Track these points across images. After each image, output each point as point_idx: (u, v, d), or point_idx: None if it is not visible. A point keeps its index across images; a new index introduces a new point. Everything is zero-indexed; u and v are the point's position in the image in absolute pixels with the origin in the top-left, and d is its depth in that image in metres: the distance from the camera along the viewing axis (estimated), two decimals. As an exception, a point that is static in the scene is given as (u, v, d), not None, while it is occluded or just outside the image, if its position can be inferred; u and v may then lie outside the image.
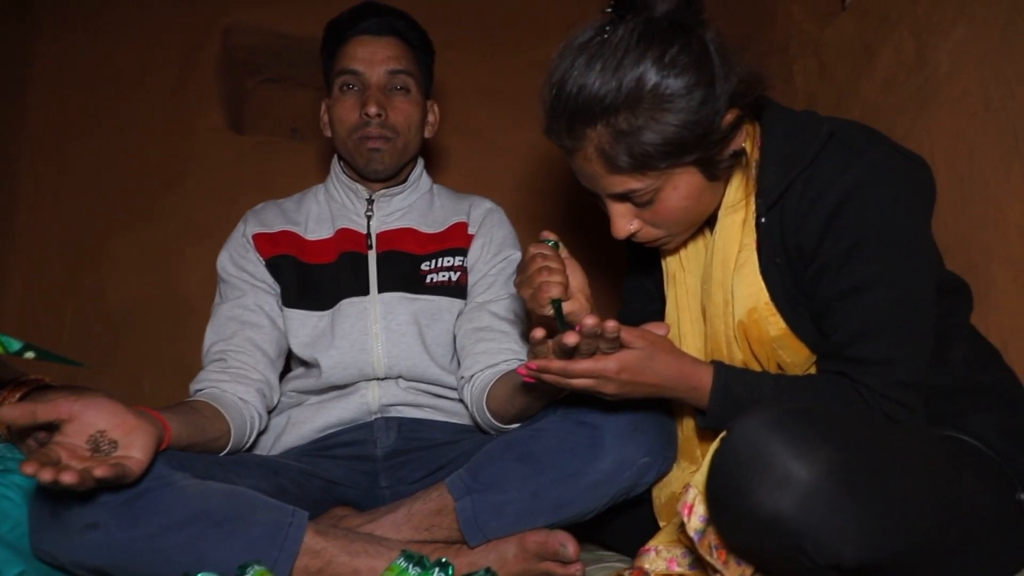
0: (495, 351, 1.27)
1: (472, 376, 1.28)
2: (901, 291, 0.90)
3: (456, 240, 1.39)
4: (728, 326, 1.00)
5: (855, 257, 0.90)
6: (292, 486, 1.15)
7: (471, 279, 1.37)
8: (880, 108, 1.50)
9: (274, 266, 1.34)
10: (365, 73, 1.33)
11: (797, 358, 0.98)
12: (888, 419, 0.90)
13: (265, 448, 1.33)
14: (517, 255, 1.41)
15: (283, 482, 1.14)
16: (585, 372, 0.88)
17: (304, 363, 1.34)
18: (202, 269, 1.94)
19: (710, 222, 1.06)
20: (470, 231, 1.40)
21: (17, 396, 1.03)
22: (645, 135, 0.90)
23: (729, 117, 0.94)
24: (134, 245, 1.99)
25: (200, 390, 1.22)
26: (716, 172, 0.96)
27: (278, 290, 1.34)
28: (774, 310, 0.97)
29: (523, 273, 1.02)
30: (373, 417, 1.31)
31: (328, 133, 1.39)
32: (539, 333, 0.88)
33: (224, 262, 1.35)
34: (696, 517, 0.84)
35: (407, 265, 1.35)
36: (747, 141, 1.00)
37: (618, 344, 0.88)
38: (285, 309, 1.32)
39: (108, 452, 0.89)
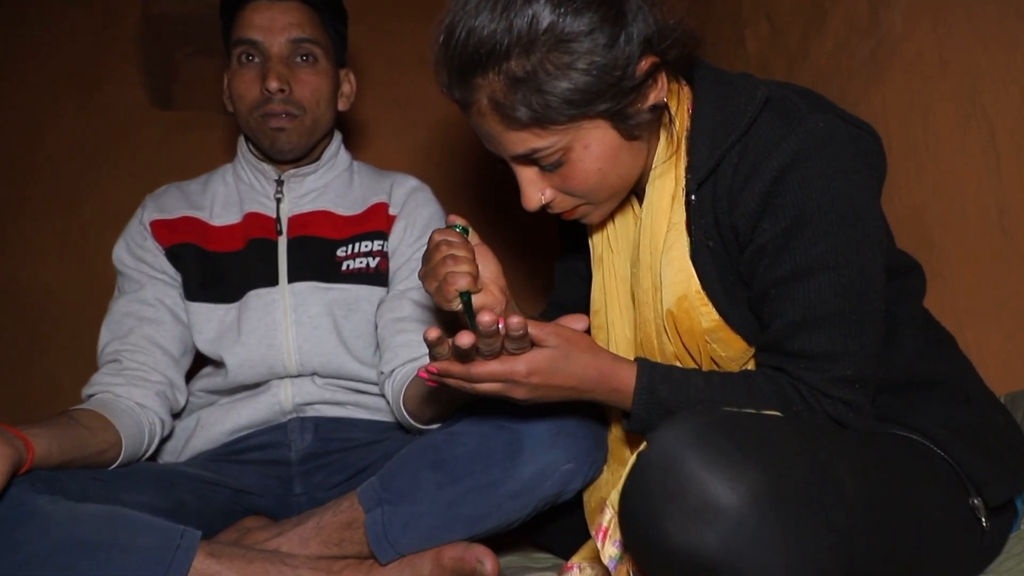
0: (417, 343, 1.17)
1: (392, 371, 1.18)
2: (846, 276, 0.79)
3: (376, 222, 1.27)
4: (657, 314, 0.90)
5: (795, 238, 0.80)
6: (192, 499, 1.05)
7: (392, 264, 1.26)
8: (832, 74, 1.41)
9: (174, 255, 1.23)
10: (264, 43, 1.20)
11: (732, 351, 0.89)
12: (831, 421, 0.81)
13: (175, 454, 1.23)
14: None
15: (181, 496, 1.04)
16: (490, 375, 0.78)
17: (212, 361, 1.23)
18: (123, 257, 1.82)
19: (640, 195, 0.95)
20: (391, 211, 1.29)
21: None
22: (543, 81, 0.79)
23: (644, 64, 0.82)
24: (49, 232, 1.86)
25: (91, 395, 1.11)
26: (632, 129, 0.84)
27: (180, 281, 1.22)
28: (705, 299, 0.87)
29: (427, 264, 0.92)
30: (287, 418, 1.21)
31: (231, 108, 1.26)
32: (433, 333, 0.77)
33: (120, 252, 1.24)
34: (611, 543, 0.75)
35: (321, 251, 1.24)
36: (673, 101, 0.89)
37: (527, 343, 0.78)
38: (187, 303, 1.21)
39: (-50, 480, 0.78)
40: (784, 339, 0.82)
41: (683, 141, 0.88)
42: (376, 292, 1.24)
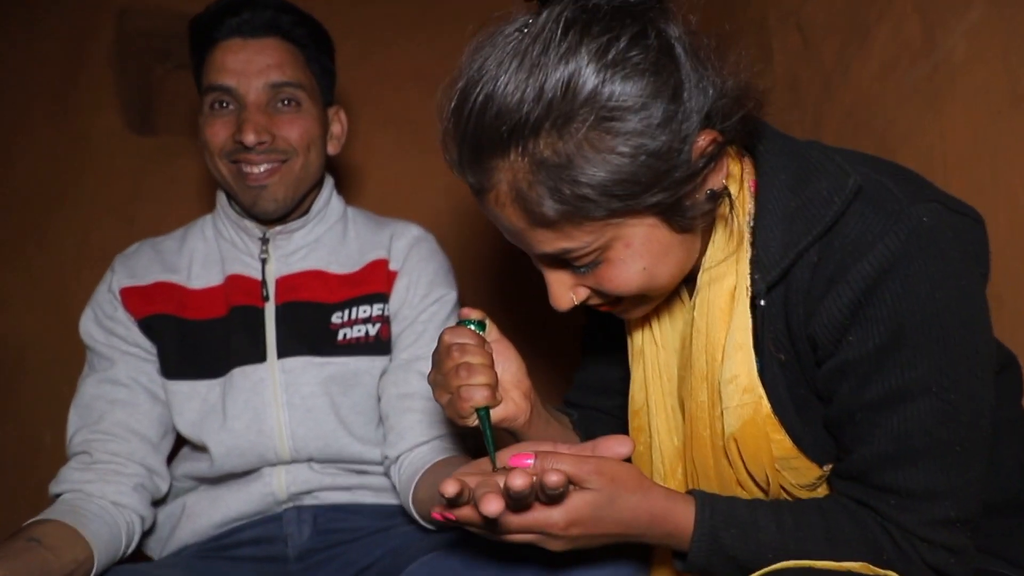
0: (427, 424, 1.04)
1: (399, 457, 1.06)
2: (952, 402, 0.65)
3: (375, 283, 1.14)
4: (716, 435, 0.76)
5: (891, 357, 0.66)
6: (175, 619, 0.93)
7: (395, 328, 1.13)
8: (877, 98, 1.27)
9: (148, 327, 1.10)
10: (238, 89, 1.06)
11: (805, 479, 0.75)
12: (930, 570, 0.68)
13: (159, 545, 1.11)
14: (451, 296, 1.17)
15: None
16: (522, 527, 0.66)
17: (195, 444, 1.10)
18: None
19: (689, 280, 0.81)
20: (392, 267, 1.15)
21: None
22: (579, 168, 0.64)
23: (702, 142, 0.68)
24: (23, 273, 1.72)
25: (59, 495, 0.99)
26: (686, 222, 0.71)
27: (156, 353, 1.09)
28: (778, 426, 0.73)
29: (437, 370, 0.78)
30: (282, 508, 1.09)
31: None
32: (451, 488, 0.63)
33: (88, 325, 1.10)
34: None
35: (313, 319, 1.11)
36: (732, 182, 0.75)
37: (565, 488, 0.65)
38: (165, 381, 1.08)
39: None
40: (872, 471, 0.69)
41: (746, 227, 0.74)
42: (377, 362, 1.11)
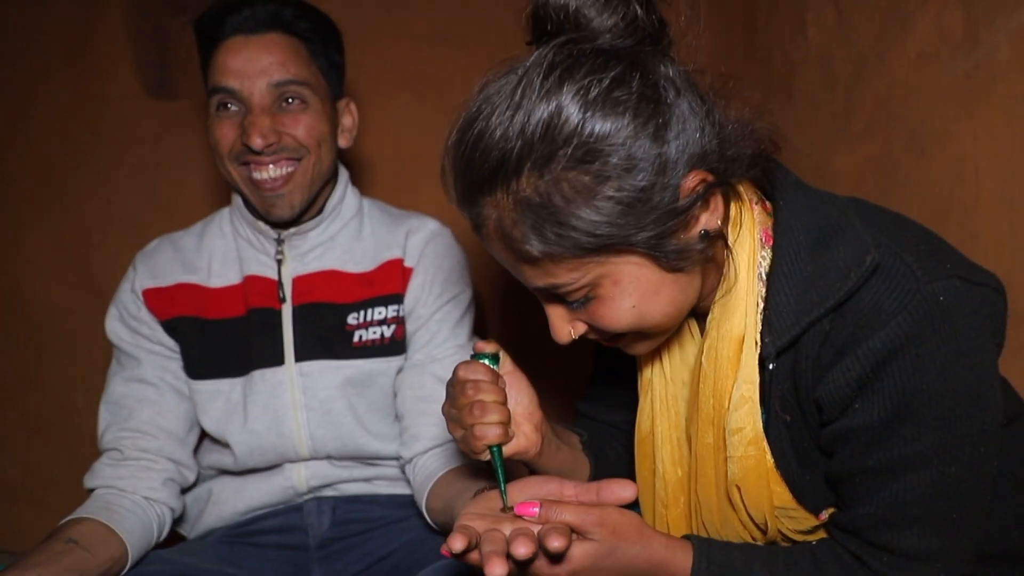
0: (440, 428, 1.06)
1: (413, 459, 1.09)
2: (951, 475, 0.67)
3: (390, 284, 1.14)
4: (720, 476, 0.78)
5: (895, 431, 0.67)
6: (205, 607, 1.00)
7: (410, 327, 1.14)
8: (913, 90, 1.21)
9: (172, 329, 1.12)
10: (242, 90, 1.04)
11: (803, 526, 0.77)
12: None
13: (187, 527, 1.18)
14: (466, 295, 1.17)
15: (193, 606, 0.99)
16: (529, 571, 0.69)
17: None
18: (127, 266, 1.71)
19: (700, 314, 0.81)
20: (407, 263, 1.15)
21: None
22: (559, 209, 0.65)
23: (690, 182, 0.68)
24: (50, 241, 1.75)
25: (95, 490, 1.04)
26: (675, 262, 0.70)
27: (179, 351, 1.13)
28: (780, 479, 0.75)
29: (451, 404, 0.80)
30: (302, 499, 1.14)
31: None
32: (457, 545, 0.65)
33: (113, 325, 1.13)
34: None
35: (330, 321, 1.12)
36: (734, 225, 0.74)
37: (569, 536, 0.67)
38: (190, 381, 1.12)
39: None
40: (868, 529, 0.71)
41: (755, 278, 0.73)
42: (393, 363, 1.14)
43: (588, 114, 0.64)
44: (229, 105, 1.05)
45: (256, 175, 1.05)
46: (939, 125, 1.15)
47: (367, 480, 1.15)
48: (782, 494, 0.75)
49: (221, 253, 1.15)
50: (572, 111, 0.64)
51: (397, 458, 1.14)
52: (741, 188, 0.76)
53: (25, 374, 1.73)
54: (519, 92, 0.66)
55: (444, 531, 1.03)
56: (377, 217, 1.20)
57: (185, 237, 1.18)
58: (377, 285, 1.14)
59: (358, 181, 1.63)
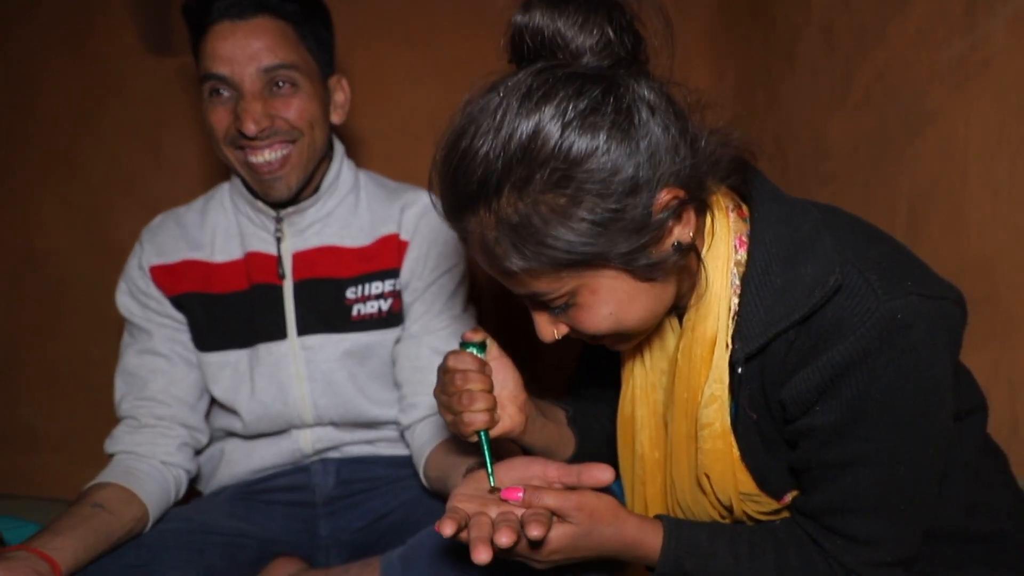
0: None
1: (411, 425, 1.16)
2: (899, 474, 0.72)
3: (386, 259, 1.18)
4: (691, 464, 0.84)
5: (849, 432, 0.72)
6: (221, 562, 1.08)
7: (406, 298, 1.19)
8: (911, 66, 1.22)
9: (179, 304, 1.17)
10: (232, 77, 1.05)
11: (766, 509, 0.84)
12: None
13: (201, 483, 1.26)
14: (460, 267, 1.21)
15: (210, 561, 1.07)
16: (510, 556, 0.75)
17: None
18: (135, 223, 1.72)
19: (678, 308, 0.85)
20: (403, 237, 1.19)
21: None
22: (537, 229, 0.69)
23: (664, 198, 0.70)
24: (58, 199, 1.79)
25: (114, 455, 1.11)
26: (650, 273, 0.74)
27: (187, 324, 1.18)
28: (744, 469, 0.81)
29: (442, 391, 0.85)
30: (308, 461, 1.21)
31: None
32: (448, 531, 0.71)
33: (124, 300, 1.18)
34: None
35: (329, 295, 1.17)
36: (709, 237, 0.78)
37: (548, 523, 0.74)
38: (199, 353, 1.17)
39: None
40: (824, 515, 0.77)
41: (728, 284, 0.77)
42: (391, 334, 1.19)
43: (564, 138, 0.67)
44: (221, 91, 1.07)
45: (252, 159, 1.08)
46: (933, 104, 1.16)
47: (369, 442, 1.22)
48: (746, 482, 0.81)
49: (223, 229, 1.19)
50: (549, 135, 0.67)
51: (396, 423, 1.21)
52: (717, 196, 0.79)
53: (42, 329, 1.79)
54: (499, 115, 0.68)
55: (440, 495, 1.10)
56: (373, 191, 1.23)
57: (188, 213, 1.22)
58: (374, 260, 1.18)
59: (354, 145, 1.65)
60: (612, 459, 1.01)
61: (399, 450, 1.24)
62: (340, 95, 1.18)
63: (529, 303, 0.79)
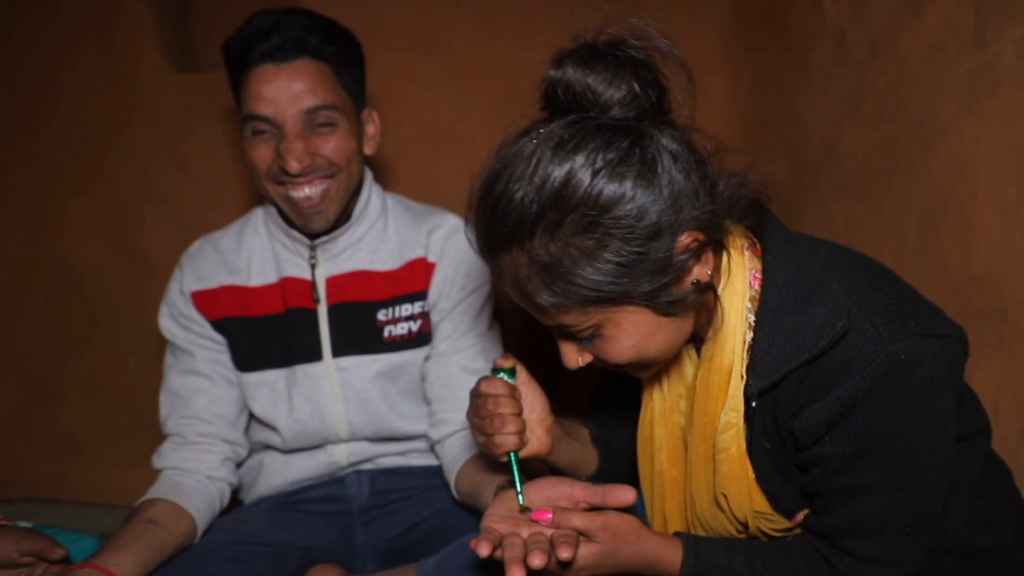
0: (464, 413, 1.18)
1: (441, 440, 1.22)
2: (904, 500, 0.78)
3: (415, 282, 1.24)
4: (709, 483, 0.89)
5: (856, 463, 0.78)
6: (266, 569, 1.15)
7: (434, 318, 1.25)
8: (923, 81, 1.24)
9: (220, 328, 1.23)
10: (275, 117, 1.11)
11: (781, 527, 0.89)
12: None
13: (242, 493, 1.32)
14: (486, 287, 1.26)
15: (255, 569, 1.13)
16: (544, 572, 0.81)
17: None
18: (166, 237, 1.82)
19: (696, 343, 0.90)
20: (430, 259, 1.25)
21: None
22: (567, 269, 0.74)
23: (684, 241, 0.76)
24: (92, 213, 1.85)
25: (162, 470, 1.18)
26: (671, 309, 0.79)
27: (227, 346, 1.24)
28: (759, 491, 0.86)
29: (475, 414, 0.92)
30: (344, 473, 1.28)
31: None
32: (484, 552, 0.78)
33: (167, 323, 1.24)
34: None
35: (362, 319, 1.23)
36: (726, 275, 0.83)
37: (576, 543, 0.79)
38: (239, 373, 1.24)
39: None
40: (833, 535, 0.82)
41: (743, 320, 0.82)
42: (421, 353, 1.25)
43: (594, 185, 0.72)
44: (264, 130, 1.12)
45: (293, 194, 1.13)
46: (944, 122, 1.19)
47: (401, 454, 1.29)
48: (761, 502, 0.86)
49: (259, 254, 1.25)
50: (580, 183, 0.73)
51: (427, 437, 1.27)
52: (733, 235, 0.84)
53: (79, 339, 1.86)
54: (533, 162, 0.74)
55: (469, 508, 1.16)
56: (400, 216, 1.28)
57: (224, 238, 1.28)
58: (403, 283, 1.24)
59: (380, 157, 1.69)
60: (632, 474, 1.07)
61: (429, 460, 1.30)
62: (371, 127, 1.23)
63: (556, 333, 0.85)
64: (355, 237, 1.24)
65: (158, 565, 1.05)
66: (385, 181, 1.45)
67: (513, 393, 0.91)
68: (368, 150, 1.23)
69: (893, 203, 1.33)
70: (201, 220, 1.77)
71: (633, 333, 0.79)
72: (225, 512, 1.24)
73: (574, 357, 0.85)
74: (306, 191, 1.13)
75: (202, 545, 1.14)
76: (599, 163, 0.72)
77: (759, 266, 0.84)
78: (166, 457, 1.19)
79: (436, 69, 1.88)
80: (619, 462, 1.06)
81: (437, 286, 1.24)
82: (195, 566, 1.09)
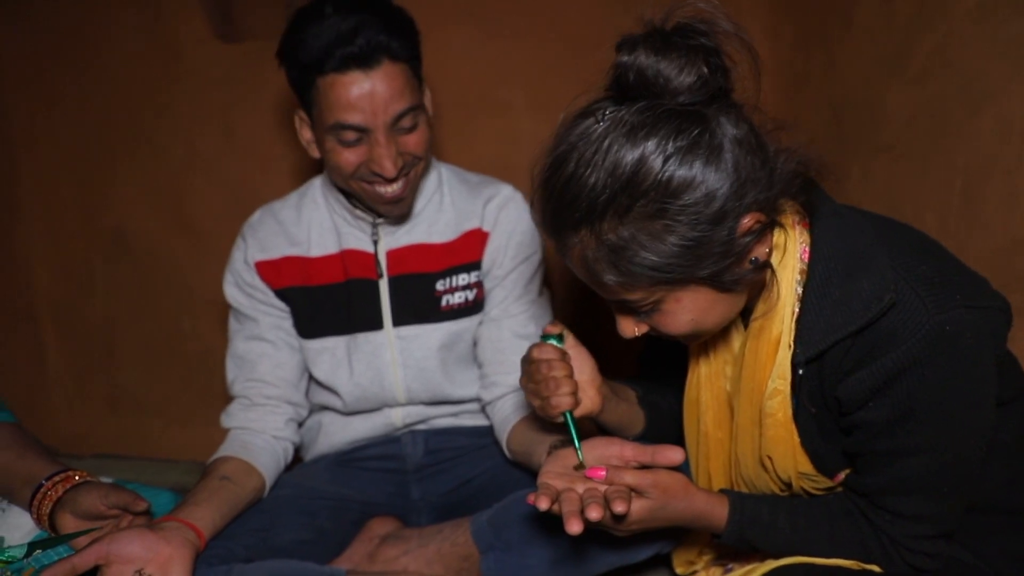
0: (515, 376, 1.23)
1: (492, 401, 1.27)
2: (944, 461, 0.82)
3: (471, 253, 1.29)
4: (755, 447, 0.94)
5: (899, 427, 0.81)
6: (329, 523, 1.23)
7: (487, 285, 1.30)
8: (970, 42, 1.22)
9: (283, 296, 1.29)
10: (368, 125, 1.11)
11: (822, 486, 0.93)
12: (910, 568, 0.87)
13: (303, 452, 1.40)
14: (538, 255, 1.30)
15: (320, 523, 1.21)
16: (597, 526, 0.87)
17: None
18: (215, 203, 1.87)
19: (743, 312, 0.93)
20: (484, 228, 1.29)
21: (59, 493, 1.08)
22: (635, 251, 0.77)
23: (747, 223, 0.79)
24: (143, 182, 1.90)
25: (230, 429, 1.26)
26: (730, 286, 0.83)
27: (290, 313, 1.30)
28: (804, 453, 0.90)
29: (528, 380, 0.97)
30: (399, 433, 1.34)
31: (314, 154, 1.21)
32: (544, 506, 0.83)
33: (231, 291, 1.30)
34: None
35: (421, 289, 1.28)
36: (777, 251, 0.86)
37: (629, 498, 0.84)
38: (301, 340, 1.30)
39: (151, 589, 0.95)
40: (874, 494, 0.87)
41: (793, 292, 0.85)
42: (475, 320, 1.30)
43: (664, 171, 0.75)
44: (353, 138, 1.13)
45: (381, 190, 1.17)
46: (991, 84, 1.18)
47: (454, 415, 1.35)
48: (805, 464, 0.91)
49: (318, 224, 1.30)
50: (651, 168, 0.75)
51: (478, 399, 1.33)
52: (787, 211, 0.86)
53: (135, 305, 1.94)
54: (605, 146, 0.76)
55: (519, 465, 1.22)
56: (456, 188, 1.32)
57: (284, 209, 1.32)
58: (460, 254, 1.28)
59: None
60: (677, 434, 1.12)
61: (480, 421, 1.37)
62: (427, 97, 1.24)
63: (615, 306, 0.89)
64: (415, 212, 1.28)
65: (233, 518, 1.13)
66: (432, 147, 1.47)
67: (563, 357, 0.96)
68: None
69: (937, 165, 1.33)
70: (248, 187, 1.83)
71: (692, 308, 0.83)
72: (288, 469, 1.32)
73: (631, 328, 0.89)
74: (394, 187, 1.16)
75: (270, 500, 1.21)
76: (670, 149, 0.75)
77: (808, 239, 0.86)
78: (235, 417, 1.26)
79: (474, 31, 1.88)
80: (665, 422, 1.11)
81: (491, 254, 1.28)
82: (266, 519, 1.17)
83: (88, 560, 0.94)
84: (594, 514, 0.80)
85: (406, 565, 1.18)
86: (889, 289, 0.79)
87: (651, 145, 0.75)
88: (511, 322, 1.27)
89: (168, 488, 1.62)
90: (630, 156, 0.75)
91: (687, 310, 0.83)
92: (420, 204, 1.29)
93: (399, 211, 1.22)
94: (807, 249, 0.86)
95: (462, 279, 1.28)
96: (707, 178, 0.75)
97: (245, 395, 1.27)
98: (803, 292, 0.85)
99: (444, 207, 1.30)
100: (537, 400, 0.96)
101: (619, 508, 0.81)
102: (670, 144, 0.75)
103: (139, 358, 1.95)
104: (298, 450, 1.39)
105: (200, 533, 1.03)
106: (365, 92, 1.09)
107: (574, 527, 0.81)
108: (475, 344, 1.31)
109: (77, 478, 1.09)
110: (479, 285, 1.29)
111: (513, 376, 1.25)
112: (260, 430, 1.25)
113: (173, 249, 1.92)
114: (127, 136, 1.89)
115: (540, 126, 1.87)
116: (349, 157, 1.14)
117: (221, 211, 1.87)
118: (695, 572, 1.09)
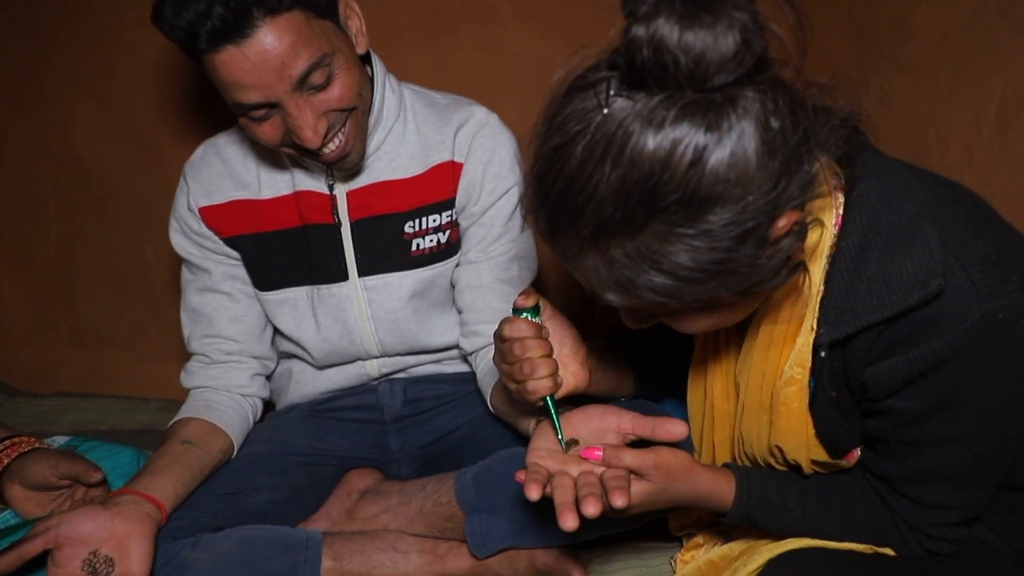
0: (497, 315, 1.13)
1: (474, 351, 1.18)
2: (977, 452, 0.73)
3: (442, 189, 1.13)
4: (763, 432, 0.84)
5: (933, 418, 0.72)
6: (305, 480, 1.16)
7: (463, 223, 1.16)
8: (1004, 10, 1.07)
9: (233, 244, 1.16)
10: (267, 100, 0.94)
11: (834, 469, 0.85)
12: (927, 553, 0.80)
13: (274, 399, 1.31)
14: (518, 187, 1.16)
15: (295, 481, 1.14)
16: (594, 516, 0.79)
17: None
18: (171, 121, 1.71)
19: None
20: (457, 159, 1.14)
21: (4, 462, 0.99)
22: (646, 275, 0.64)
23: (782, 224, 0.64)
24: (91, 99, 1.73)
25: (192, 390, 1.17)
26: (756, 293, 0.70)
27: (242, 262, 1.18)
28: (819, 445, 0.81)
29: (503, 360, 0.85)
30: (376, 383, 1.25)
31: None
32: (534, 495, 0.73)
33: (178, 239, 1.17)
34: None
35: (388, 233, 1.14)
36: (815, 231, 0.72)
37: (629, 485, 0.76)
38: (258, 292, 1.18)
39: (108, 573, 0.88)
40: (896, 481, 0.79)
41: (823, 262, 0.73)
42: (450, 264, 1.18)
43: (686, 180, 0.59)
44: (261, 114, 0.97)
45: (318, 153, 1.02)
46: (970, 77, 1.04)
47: (436, 362, 1.26)
48: (819, 453, 0.82)
49: (268, 162, 1.14)
50: (671, 177, 0.59)
51: (459, 347, 1.23)
52: (822, 176, 0.70)
53: (95, 235, 1.81)
54: (614, 145, 0.60)
55: (504, 421, 1.13)
56: (422, 113, 1.16)
57: (229, 145, 1.16)
58: (429, 190, 1.13)
59: (394, 37, 1.54)
60: (669, 391, 1.04)
61: (463, 367, 1.28)
62: (354, 22, 1.04)
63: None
64: (372, 146, 1.12)
65: (199, 484, 1.05)
66: (401, 62, 1.30)
67: (540, 333, 0.85)
68: (360, 49, 1.05)
69: (969, 89, 1.20)
70: (212, 102, 1.65)
71: (713, 314, 0.72)
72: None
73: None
74: (329, 148, 1.01)
75: (239, 460, 1.14)
76: (690, 155, 0.59)
77: (843, 203, 0.73)
78: (195, 376, 1.16)
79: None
80: (656, 383, 1.03)
81: (464, 189, 1.14)
82: (236, 481, 1.10)
83: (36, 547, 0.86)
84: (591, 509, 0.71)
85: (386, 523, 1.12)
86: (937, 273, 0.67)
87: (672, 145, 0.59)
88: (491, 264, 1.15)
89: (135, 431, 1.55)
90: (647, 161, 0.59)
91: (707, 316, 0.72)
92: (380, 136, 1.12)
93: (349, 164, 1.06)
94: (840, 216, 0.73)
95: (432, 220, 1.14)
96: (739, 189, 0.60)
97: (203, 352, 1.16)
98: (830, 265, 0.73)
99: (407, 136, 1.14)
100: (513, 384, 0.85)
101: (619, 502, 0.72)
102: (690, 150, 0.59)
103: (103, 290, 1.83)
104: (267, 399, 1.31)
105: (161, 505, 0.96)
106: (249, 67, 0.90)
107: (568, 522, 0.72)
108: (452, 288, 1.20)
109: (24, 446, 1.01)
110: (453, 225, 1.15)
111: (495, 324, 1.15)
112: (223, 388, 1.15)
113: (130, 174, 1.77)
114: (70, 49, 1.70)
115: (529, 37, 1.73)
116: (267, 130, 0.98)
117: (181, 133, 1.71)
118: (692, 535, 1.03)
